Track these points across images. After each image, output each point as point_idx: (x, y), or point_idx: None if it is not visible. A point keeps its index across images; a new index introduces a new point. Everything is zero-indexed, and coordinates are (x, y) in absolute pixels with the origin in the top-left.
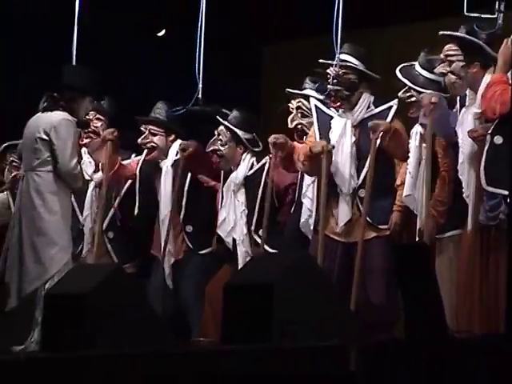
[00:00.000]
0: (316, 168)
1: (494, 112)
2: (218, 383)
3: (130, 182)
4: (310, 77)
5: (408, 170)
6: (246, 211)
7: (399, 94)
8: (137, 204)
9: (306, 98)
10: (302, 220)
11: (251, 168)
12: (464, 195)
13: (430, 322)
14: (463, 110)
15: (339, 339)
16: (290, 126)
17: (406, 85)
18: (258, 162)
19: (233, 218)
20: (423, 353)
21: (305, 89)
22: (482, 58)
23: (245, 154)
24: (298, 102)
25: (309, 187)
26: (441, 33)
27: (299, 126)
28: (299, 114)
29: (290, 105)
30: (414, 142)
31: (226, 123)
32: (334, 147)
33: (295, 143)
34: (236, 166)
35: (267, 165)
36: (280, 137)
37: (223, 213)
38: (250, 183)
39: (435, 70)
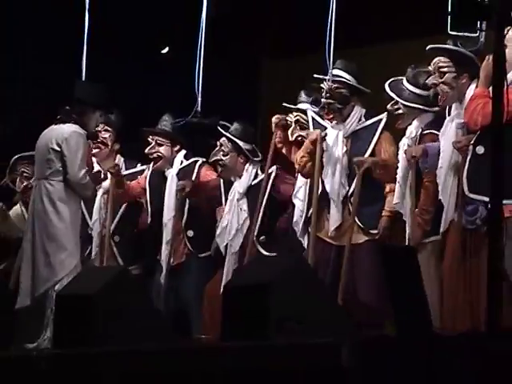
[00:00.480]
0: (310, 164)
1: (476, 123)
2: (218, 378)
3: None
4: (304, 90)
5: (397, 180)
6: (249, 219)
7: (388, 106)
8: (149, 213)
9: (303, 111)
10: (294, 220)
11: (255, 177)
12: (439, 197)
13: (416, 320)
14: (447, 119)
15: (332, 336)
16: (291, 138)
17: (393, 98)
18: (262, 172)
19: (235, 226)
20: (410, 349)
21: (300, 102)
22: (471, 70)
23: (247, 164)
24: (296, 115)
25: (300, 189)
26: (435, 46)
27: (299, 138)
28: (298, 127)
29: (288, 118)
30: (402, 154)
31: (227, 135)
32: (326, 135)
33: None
34: (237, 176)
35: (273, 174)
36: (282, 117)
37: (225, 221)
38: (253, 192)
39: (427, 81)
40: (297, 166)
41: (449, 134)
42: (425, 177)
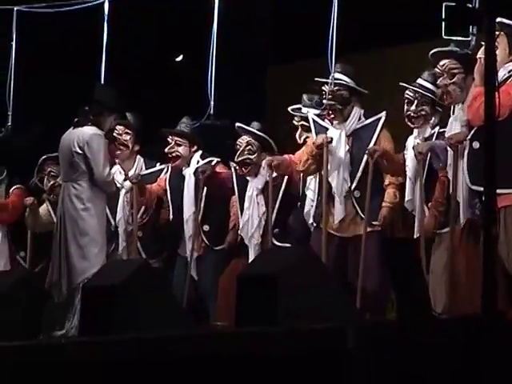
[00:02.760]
0: (314, 167)
1: (481, 120)
2: (232, 362)
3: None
4: (305, 95)
5: (408, 177)
6: (266, 213)
7: (411, 107)
8: (171, 212)
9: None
10: (306, 210)
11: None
12: (450, 191)
13: (416, 305)
14: (451, 118)
15: (338, 321)
16: (299, 141)
17: (412, 99)
18: None
19: (256, 219)
20: (411, 332)
21: (304, 105)
22: (473, 71)
23: (263, 160)
24: (300, 120)
25: (311, 180)
26: (444, 49)
27: (307, 140)
28: (304, 130)
29: (294, 122)
30: (410, 153)
31: (259, 133)
32: (332, 139)
33: (290, 156)
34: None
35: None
36: (273, 159)
37: (246, 215)
38: (269, 188)
39: (438, 83)
40: (301, 169)
41: (454, 131)
42: (440, 172)
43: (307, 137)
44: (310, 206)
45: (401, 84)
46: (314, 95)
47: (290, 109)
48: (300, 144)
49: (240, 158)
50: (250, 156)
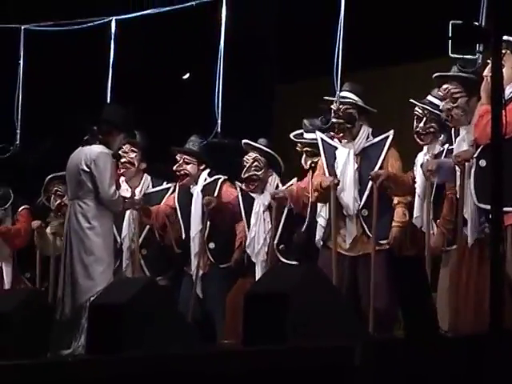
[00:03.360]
0: (325, 198)
1: (488, 138)
2: (239, 380)
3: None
4: (306, 120)
5: (417, 194)
6: (272, 229)
7: (420, 124)
8: (182, 230)
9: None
10: (318, 238)
11: (276, 189)
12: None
13: (423, 322)
14: (459, 138)
15: (345, 339)
16: (305, 167)
17: (421, 115)
18: (282, 184)
19: (262, 236)
20: (418, 349)
21: (306, 131)
22: (477, 92)
23: (270, 177)
24: (304, 146)
25: (322, 208)
26: (445, 74)
27: (313, 165)
28: (308, 155)
29: (297, 148)
30: (419, 170)
31: (266, 149)
32: (339, 182)
33: (294, 188)
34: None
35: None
36: (279, 192)
37: (252, 232)
38: (275, 204)
39: (440, 107)
40: (313, 200)
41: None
42: (447, 189)
43: (313, 162)
44: (321, 232)
45: (410, 101)
46: (314, 119)
47: (292, 135)
48: (306, 169)
49: (247, 175)
50: (256, 172)
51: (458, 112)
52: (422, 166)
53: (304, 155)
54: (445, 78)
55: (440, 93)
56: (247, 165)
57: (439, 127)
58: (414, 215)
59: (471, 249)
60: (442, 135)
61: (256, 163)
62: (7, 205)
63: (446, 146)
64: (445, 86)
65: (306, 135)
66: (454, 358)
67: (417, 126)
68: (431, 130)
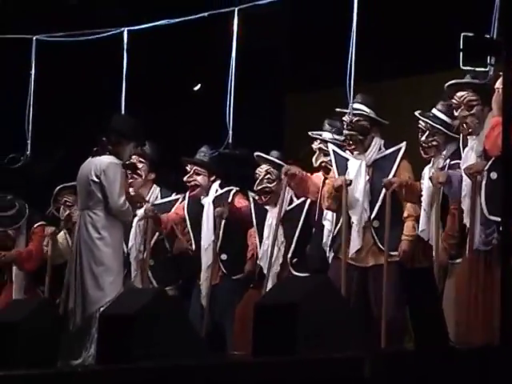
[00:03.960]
0: (337, 204)
1: (499, 149)
2: None
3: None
4: (328, 120)
5: (422, 207)
6: (285, 242)
7: (422, 138)
8: (192, 241)
9: (325, 141)
10: (324, 240)
11: (290, 203)
12: (464, 221)
13: (433, 335)
14: (467, 148)
15: (355, 351)
16: (315, 164)
17: (424, 129)
18: (296, 198)
19: (276, 250)
20: (428, 362)
21: (324, 130)
22: (490, 102)
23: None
24: (319, 143)
25: (328, 212)
26: (463, 81)
27: (323, 164)
28: (322, 154)
29: (313, 146)
30: (426, 183)
31: (278, 161)
32: (351, 182)
33: (308, 174)
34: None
35: (308, 201)
36: (291, 168)
37: (265, 245)
38: (288, 217)
39: (455, 114)
40: (326, 206)
41: (470, 162)
42: (451, 204)
43: (323, 161)
44: (327, 236)
45: (414, 114)
46: (336, 121)
47: (310, 133)
48: (315, 167)
49: (259, 187)
50: (269, 184)
51: (473, 120)
52: (430, 178)
53: (317, 152)
54: (459, 85)
55: (454, 100)
56: (260, 177)
57: (442, 141)
58: (420, 228)
59: (479, 260)
60: (446, 149)
61: (268, 175)
62: (21, 221)
63: (448, 160)
64: (460, 94)
65: (324, 134)
66: (464, 370)
67: (420, 139)
68: (434, 143)
